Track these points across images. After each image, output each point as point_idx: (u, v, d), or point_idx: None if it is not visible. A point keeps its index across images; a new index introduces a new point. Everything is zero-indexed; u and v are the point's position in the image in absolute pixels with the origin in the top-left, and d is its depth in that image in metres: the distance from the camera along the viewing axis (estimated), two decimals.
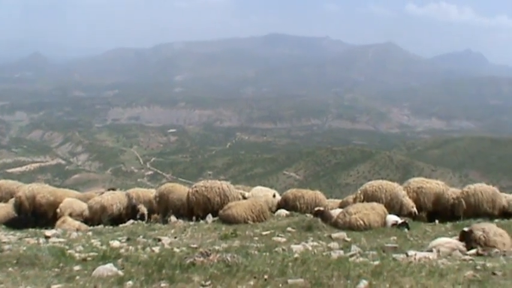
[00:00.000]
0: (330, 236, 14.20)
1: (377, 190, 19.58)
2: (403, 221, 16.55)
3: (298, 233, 15.05)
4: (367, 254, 11.03)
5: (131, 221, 20.15)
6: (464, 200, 19.34)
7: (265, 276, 8.26)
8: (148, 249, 11.79)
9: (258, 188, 23.59)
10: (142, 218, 20.85)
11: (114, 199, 20.97)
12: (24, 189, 21.99)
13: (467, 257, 10.89)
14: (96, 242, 13.16)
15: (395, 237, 14.36)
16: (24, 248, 11.38)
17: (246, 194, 21.39)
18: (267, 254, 10.76)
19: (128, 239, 13.79)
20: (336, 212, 17.42)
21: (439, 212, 19.91)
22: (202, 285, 7.94)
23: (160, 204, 21.77)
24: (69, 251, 10.97)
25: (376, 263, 9.45)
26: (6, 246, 11.66)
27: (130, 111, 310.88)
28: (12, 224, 20.25)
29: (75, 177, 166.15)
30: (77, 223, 19.42)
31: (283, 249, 11.56)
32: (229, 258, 9.42)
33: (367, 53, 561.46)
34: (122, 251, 11.26)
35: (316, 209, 18.33)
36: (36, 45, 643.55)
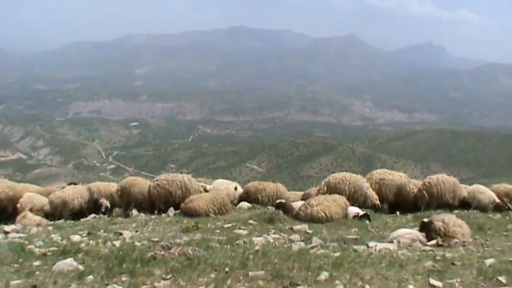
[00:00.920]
0: (291, 228, 14.22)
1: (340, 182, 19.60)
2: (364, 212, 16.64)
3: (259, 225, 15.01)
4: (328, 245, 11.06)
5: (93, 215, 19.94)
6: (426, 190, 19.52)
7: (226, 269, 8.23)
8: (109, 243, 11.63)
9: (220, 180, 23.52)
10: (106, 211, 20.64)
11: (76, 193, 20.69)
12: None
13: (427, 248, 10.99)
14: (56, 236, 12.93)
15: (356, 229, 14.42)
16: None
17: (208, 187, 21.35)
18: (228, 246, 10.72)
19: (89, 234, 13.60)
20: (297, 204, 17.40)
21: (400, 203, 20.07)
22: (163, 279, 7.87)
23: (121, 198, 21.58)
24: (28, 246, 10.77)
25: (337, 254, 9.47)
26: None
27: (92, 104, 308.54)
28: None
29: (36, 172, 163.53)
30: (38, 218, 19.13)
31: (244, 242, 11.53)
32: (190, 251, 9.37)
33: (329, 45, 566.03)
34: (83, 245, 11.08)
35: (277, 201, 18.28)
36: None
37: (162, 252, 9.43)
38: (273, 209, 17.65)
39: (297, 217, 16.16)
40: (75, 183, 23.35)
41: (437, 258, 9.11)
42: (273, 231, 13.91)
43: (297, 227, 14.35)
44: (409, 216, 17.67)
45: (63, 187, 22.65)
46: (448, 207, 18.90)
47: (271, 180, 23.27)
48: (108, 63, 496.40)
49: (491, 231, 14.35)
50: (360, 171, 22.91)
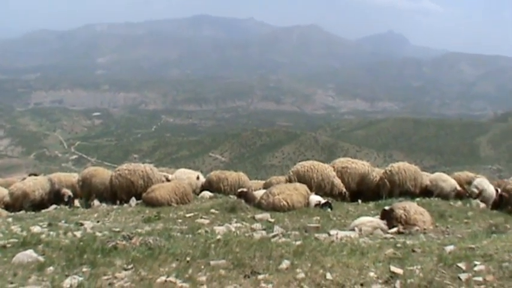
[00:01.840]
0: (253, 217, 14.28)
1: (309, 170, 19.80)
2: (326, 201, 16.75)
3: (221, 214, 15.02)
4: (289, 234, 11.13)
5: (53, 206, 19.73)
6: (388, 179, 19.67)
7: (188, 258, 8.25)
8: (70, 234, 11.55)
9: (182, 170, 23.50)
10: (69, 201, 20.38)
11: (36, 185, 20.45)
12: None
13: (388, 235, 11.09)
14: (16, 228, 12.78)
15: (318, 217, 14.52)
16: None
17: (170, 177, 21.32)
18: (190, 236, 10.74)
19: (50, 224, 13.46)
20: (259, 193, 17.46)
21: (363, 192, 20.22)
22: (124, 269, 7.86)
23: (83, 189, 21.62)
24: None
25: (298, 243, 9.51)
26: None
27: (53, 94, 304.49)
28: None
29: None
30: None
31: (206, 231, 11.54)
32: (151, 241, 9.39)
33: (291, 34, 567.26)
34: (43, 236, 10.96)
35: (239, 190, 18.35)
36: None
37: (124, 242, 9.48)
38: (235, 198, 17.73)
39: (259, 206, 16.22)
40: (35, 174, 23.14)
41: (398, 245, 9.16)
42: (235, 220, 13.96)
43: (259, 215, 14.39)
44: (371, 204, 17.85)
45: (24, 178, 22.39)
46: (410, 195, 19.09)
47: (233, 170, 23.31)
48: (69, 52, 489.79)
49: (452, 219, 14.56)
50: (322, 160, 22.94)
